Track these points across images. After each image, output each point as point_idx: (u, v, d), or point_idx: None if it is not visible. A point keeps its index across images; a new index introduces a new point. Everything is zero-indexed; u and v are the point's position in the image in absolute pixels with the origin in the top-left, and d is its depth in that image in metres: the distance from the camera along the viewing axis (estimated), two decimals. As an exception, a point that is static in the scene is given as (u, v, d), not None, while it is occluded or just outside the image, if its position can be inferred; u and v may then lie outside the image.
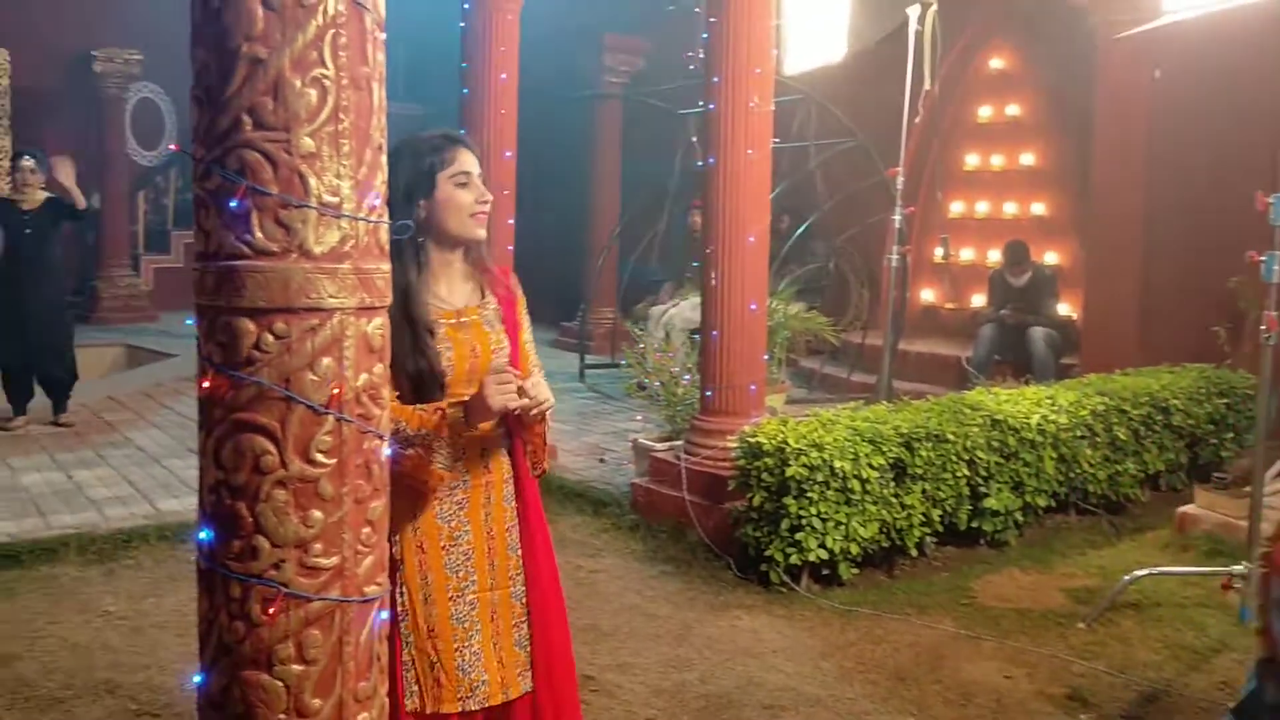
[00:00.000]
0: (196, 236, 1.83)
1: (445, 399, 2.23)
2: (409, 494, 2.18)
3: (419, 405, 2.20)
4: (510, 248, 5.96)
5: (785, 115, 7.17)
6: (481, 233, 2.33)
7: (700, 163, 5.64)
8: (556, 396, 2.40)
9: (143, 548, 4.70)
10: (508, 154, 6.01)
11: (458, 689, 2.25)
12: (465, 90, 6.03)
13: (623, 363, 7.18)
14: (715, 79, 5.11)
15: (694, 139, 8.55)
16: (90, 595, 4.22)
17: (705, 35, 5.27)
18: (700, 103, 5.79)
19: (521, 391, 2.19)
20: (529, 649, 2.33)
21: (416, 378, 2.21)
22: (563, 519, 5.34)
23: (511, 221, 6.00)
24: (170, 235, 13.54)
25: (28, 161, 6.76)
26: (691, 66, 7.76)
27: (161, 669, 3.60)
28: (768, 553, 4.51)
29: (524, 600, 2.32)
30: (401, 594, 2.21)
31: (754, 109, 5.08)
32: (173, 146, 12.74)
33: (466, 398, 2.24)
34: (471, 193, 2.28)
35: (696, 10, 6.01)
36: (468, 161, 2.29)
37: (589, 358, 9.48)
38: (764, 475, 4.52)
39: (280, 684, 1.80)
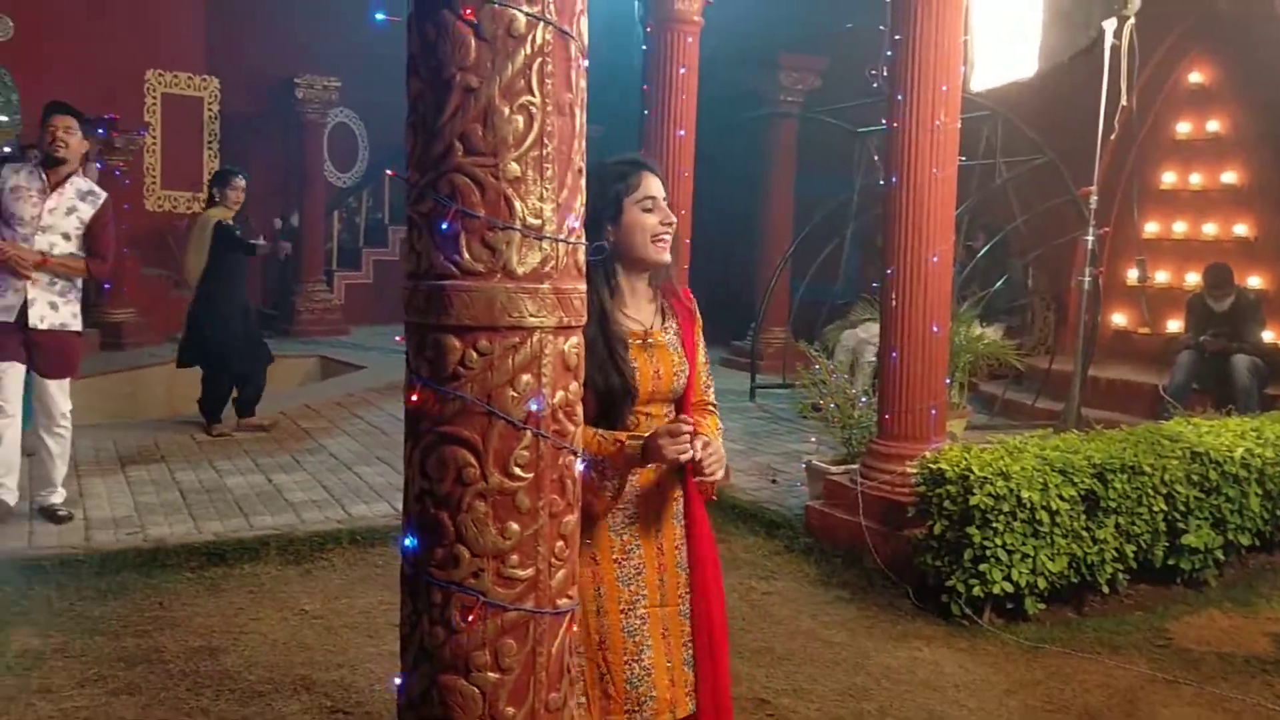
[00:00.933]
0: (408, 256, 1.91)
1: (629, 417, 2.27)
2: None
3: (600, 431, 2.23)
4: (685, 266, 6.00)
5: (972, 133, 6.99)
6: (666, 256, 2.35)
7: (881, 181, 5.55)
8: (726, 415, 2.43)
9: (336, 550, 4.93)
10: (685, 174, 6.07)
11: (625, 702, 2.26)
12: (646, 111, 6.13)
13: (796, 383, 7.12)
14: (899, 97, 5.03)
15: (875, 157, 8.43)
16: (288, 594, 4.45)
17: (889, 53, 5.20)
18: (882, 120, 5.70)
19: (694, 435, 2.20)
20: (694, 669, 2.33)
21: (606, 394, 2.24)
22: (735, 539, 5.33)
23: (688, 241, 6.04)
24: (361, 253, 14.21)
25: (241, 180, 7.20)
26: (875, 85, 7.65)
27: (353, 668, 3.76)
28: (949, 583, 4.38)
29: (690, 619, 2.33)
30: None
31: (939, 127, 4.97)
32: (389, 172, 13.29)
33: (651, 416, 2.28)
34: (656, 216, 2.31)
35: (881, 28, 5.93)
36: (653, 186, 2.32)
37: (759, 377, 9.44)
38: (946, 503, 4.40)
39: (477, 690, 1.86)
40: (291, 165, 13.20)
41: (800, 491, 5.92)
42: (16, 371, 5.08)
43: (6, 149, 11.54)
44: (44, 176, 5.09)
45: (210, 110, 12.99)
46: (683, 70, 6.01)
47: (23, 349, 5.06)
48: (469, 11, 1.77)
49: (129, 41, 11.74)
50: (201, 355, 7.16)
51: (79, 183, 5.19)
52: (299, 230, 13.05)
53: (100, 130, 10.76)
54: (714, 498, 2.43)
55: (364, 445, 6.95)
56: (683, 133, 6.02)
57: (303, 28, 12.80)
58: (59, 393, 5.23)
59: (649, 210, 2.29)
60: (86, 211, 5.17)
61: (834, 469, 5.50)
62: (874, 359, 7.70)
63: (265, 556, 4.80)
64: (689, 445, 2.17)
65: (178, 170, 12.71)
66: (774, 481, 6.34)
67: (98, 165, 10.89)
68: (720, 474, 2.29)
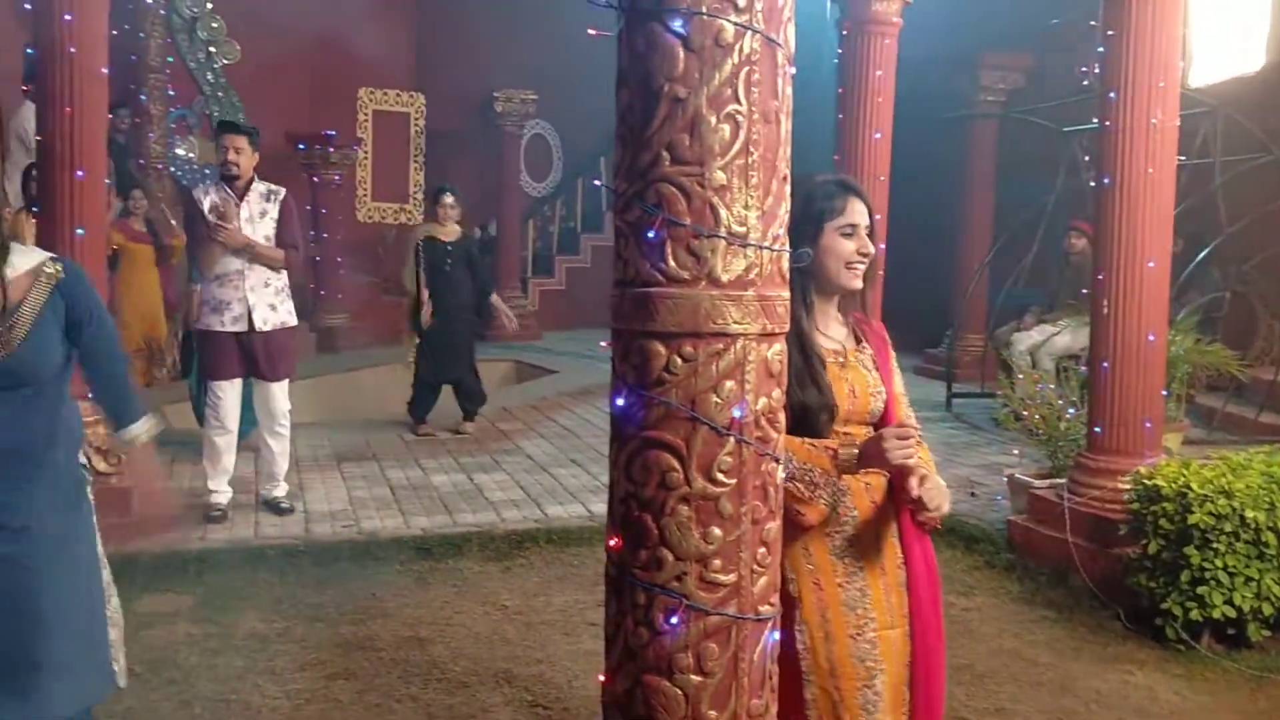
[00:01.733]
0: (615, 264, 1.95)
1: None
2: (789, 528, 2.20)
3: (808, 439, 2.22)
4: (880, 273, 5.90)
5: (1187, 131, 6.60)
6: (857, 284, 2.31)
7: (1092, 183, 5.30)
8: (922, 425, 2.38)
9: (534, 549, 5.08)
10: (881, 178, 5.96)
11: None
12: (840, 115, 6.05)
13: (997, 393, 6.88)
14: (1112, 94, 4.79)
15: (1085, 158, 8.05)
16: (490, 590, 4.61)
17: (1101, 49, 4.96)
18: (1092, 120, 5.45)
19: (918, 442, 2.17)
20: (910, 690, 2.28)
21: (801, 410, 2.22)
22: (935, 553, 5.18)
23: (883, 246, 5.93)
24: (554, 260, 14.59)
25: (448, 197, 7.53)
26: (1085, 82, 7.32)
27: (552, 664, 3.87)
28: (1164, 606, 4.14)
29: (911, 639, 2.28)
30: (801, 631, 2.19)
31: (1156, 126, 4.72)
32: (596, 181, 13.63)
33: (850, 435, 2.25)
34: (854, 244, 2.28)
35: (1092, 23, 5.67)
36: (857, 213, 2.29)
37: (955, 385, 9.17)
38: (1162, 521, 4.16)
39: (680, 692, 1.88)
40: (490, 176, 13.68)
41: (1001, 505, 5.72)
42: (236, 390, 5.49)
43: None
44: (229, 191, 5.45)
45: (416, 125, 13.62)
46: (879, 73, 5.91)
47: (241, 362, 5.44)
48: (678, 23, 1.80)
49: (344, 61, 12.43)
50: (418, 359, 7.56)
51: (258, 186, 5.53)
52: (496, 239, 13.52)
53: (318, 146, 11.46)
54: (939, 527, 2.37)
55: (558, 448, 7.14)
56: (879, 135, 5.91)
57: (502, 44, 13.24)
58: (280, 394, 5.60)
59: (848, 236, 2.27)
60: (274, 210, 5.53)
61: (1038, 483, 5.28)
62: (1054, 359, 7.38)
63: (468, 552, 5.00)
64: (914, 449, 2.14)
65: (386, 183, 13.37)
66: (973, 494, 6.14)
67: (314, 179, 11.61)
68: (946, 508, 2.25)
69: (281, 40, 12.05)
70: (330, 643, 4.01)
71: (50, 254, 2.53)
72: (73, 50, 4.63)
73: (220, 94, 12.35)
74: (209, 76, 12.28)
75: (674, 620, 1.88)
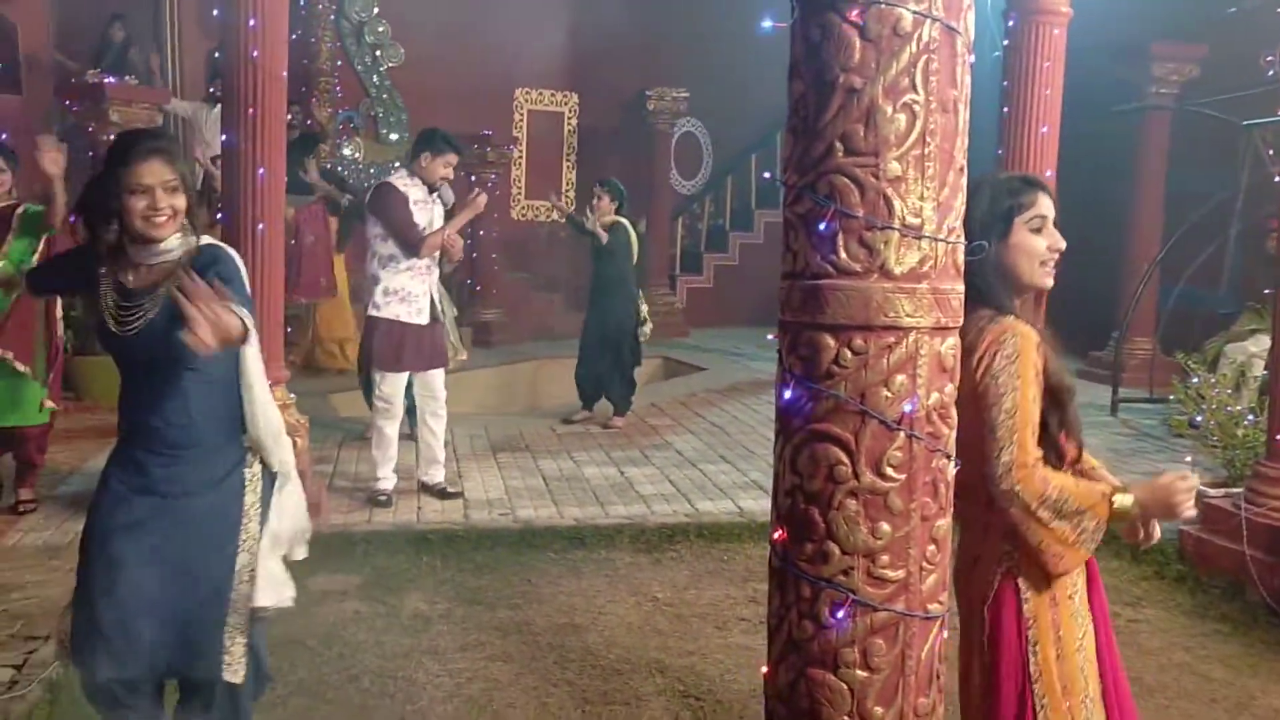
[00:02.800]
0: (784, 256, 1.95)
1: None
2: (1031, 567, 2.14)
3: (1079, 480, 2.15)
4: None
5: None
6: (1049, 282, 2.24)
7: (1277, 178, 5.02)
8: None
9: (684, 543, 5.11)
10: (1048, 172, 5.77)
11: None
12: (1005, 108, 5.89)
13: (1167, 398, 6.58)
14: (1303, 82, 4.53)
15: (1270, 151, 7.61)
16: (641, 580, 4.67)
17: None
18: (1277, 111, 5.16)
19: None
20: (1104, 698, 2.22)
21: (1058, 393, 2.17)
22: (1098, 561, 4.99)
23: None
24: (702, 258, 14.61)
25: (596, 188, 7.64)
26: (1271, 72, 6.92)
27: (704, 657, 3.89)
28: (1353, 625, 3.90)
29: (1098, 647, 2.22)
30: (1035, 653, 2.12)
31: (1352, 114, 4.43)
32: (765, 175, 13.59)
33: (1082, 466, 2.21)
34: (1045, 239, 2.21)
35: (1279, 11, 5.36)
36: (1045, 206, 2.22)
37: (1122, 390, 8.79)
38: (1352, 535, 3.91)
39: (845, 686, 1.87)
40: (640, 174, 13.79)
41: (1170, 514, 5.45)
42: (404, 377, 5.69)
43: (396, 164, 12.93)
44: (421, 183, 5.65)
45: (569, 124, 13.85)
46: (1047, 64, 5.72)
47: (418, 352, 5.63)
48: (855, 13, 1.79)
49: (501, 63, 12.74)
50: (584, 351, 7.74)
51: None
52: (645, 236, 13.61)
53: (476, 146, 11.77)
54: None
55: (707, 444, 7.16)
56: (1045, 129, 5.73)
57: (654, 42, 13.33)
58: (439, 381, 5.78)
59: (1037, 230, 2.19)
60: (450, 198, 5.80)
61: (1213, 492, 5.03)
62: (1262, 374, 6.98)
63: (619, 543, 5.07)
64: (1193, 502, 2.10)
65: (540, 182, 13.64)
66: (1140, 502, 5.87)
67: (472, 178, 11.92)
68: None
69: (442, 43, 12.44)
70: (489, 625, 4.13)
71: (211, 241, 2.66)
72: (256, 54, 4.87)
73: (385, 96, 12.85)
74: (375, 79, 12.78)
75: (840, 614, 1.87)
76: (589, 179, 12.83)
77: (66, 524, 5.04)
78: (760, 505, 5.65)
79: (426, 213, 5.61)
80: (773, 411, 6.75)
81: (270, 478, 2.69)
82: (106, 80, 8.43)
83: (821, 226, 1.84)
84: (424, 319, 5.61)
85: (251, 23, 4.84)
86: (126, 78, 8.89)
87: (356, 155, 12.56)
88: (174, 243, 2.52)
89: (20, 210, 5.06)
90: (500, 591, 4.48)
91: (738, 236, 14.67)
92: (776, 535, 1.97)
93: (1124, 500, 2.09)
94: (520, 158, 13.41)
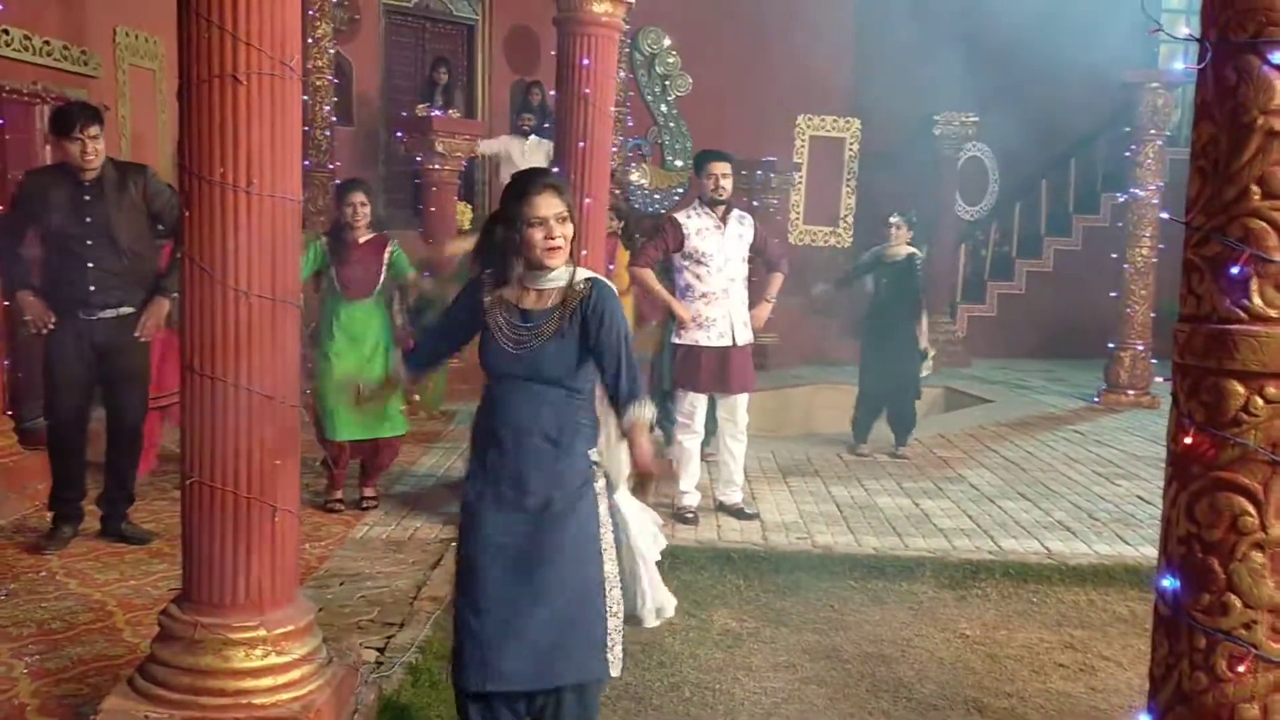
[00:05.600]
0: (1184, 299, 1.92)
1: None
2: None
3: None
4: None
5: None
6: None
7: None
8: None
9: (989, 581, 4.99)
10: None
11: None
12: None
13: None
14: None
15: None
16: (947, 616, 4.61)
17: None
18: None
19: None
20: None
21: None
22: None
23: None
24: (985, 286, 14.17)
25: (895, 219, 7.58)
26: None
27: (1023, 701, 3.80)
28: None
29: None
30: None
31: None
32: (1164, 215, 13.14)
33: None
34: None
35: None
36: None
37: None
38: None
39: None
40: (923, 199, 13.54)
41: None
42: (705, 400, 5.89)
43: (680, 190, 13.33)
44: (713, 214, 5.81)
45: (851, 149, 13.81)
46: None
47: (717, 375, 5.81)
48: (1278, 55, 1.75)
49: (785, 89, 12.87)
50: (860, 379, 7.71)
51: (735, 211, 5.91)
52: (928, 263, 13.35)
53: (759, 172, 11.95)
54: None
55: (1003, 479, 6.95)
56: None
57: (943, 67, 13.10)
58: (743, 405, 5.94)
59: None
60: (749, 234, 5.90)
61: None
62: None
63: (921, 576, 5.01)
64: None
65: (819, 206, 13.67)
66: None
67: (754, 203, 12.09)
68: None
69: (727, 72, 12.72)
70: (798, 648, 4.20)
71: (588, 273, 2.91)
72: (587, 92, 5.19)
73: (671, 124, 13.27)
74: (663, 108, 13.23)
75: (1240, 669, 1.83)
76: (869, 204, 12.76)
77: (405, 520, 5.53)
78: (1070, 548, 5.44)
79: (713, 240, 5.76)
80: (1071, 449, 6.55)
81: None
82: (433, 114, 9.18)
83: (1234, 270, 1.81)
84: (724, 342, 5.77)
85: (585, 62, 5.17)
86: (450, 112, 9.64)
87: (643, 181, 13.02)
88: (562, 269, 2.78)
89: (391, 251, 5.59)
90: (805, 615, 4.54)
91: (1024, 264, 14.15)
92: (1168, 583, 1.93)
93: None
94: (800, 183, 13.49)
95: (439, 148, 8.90)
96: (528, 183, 2.78)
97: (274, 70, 2.87)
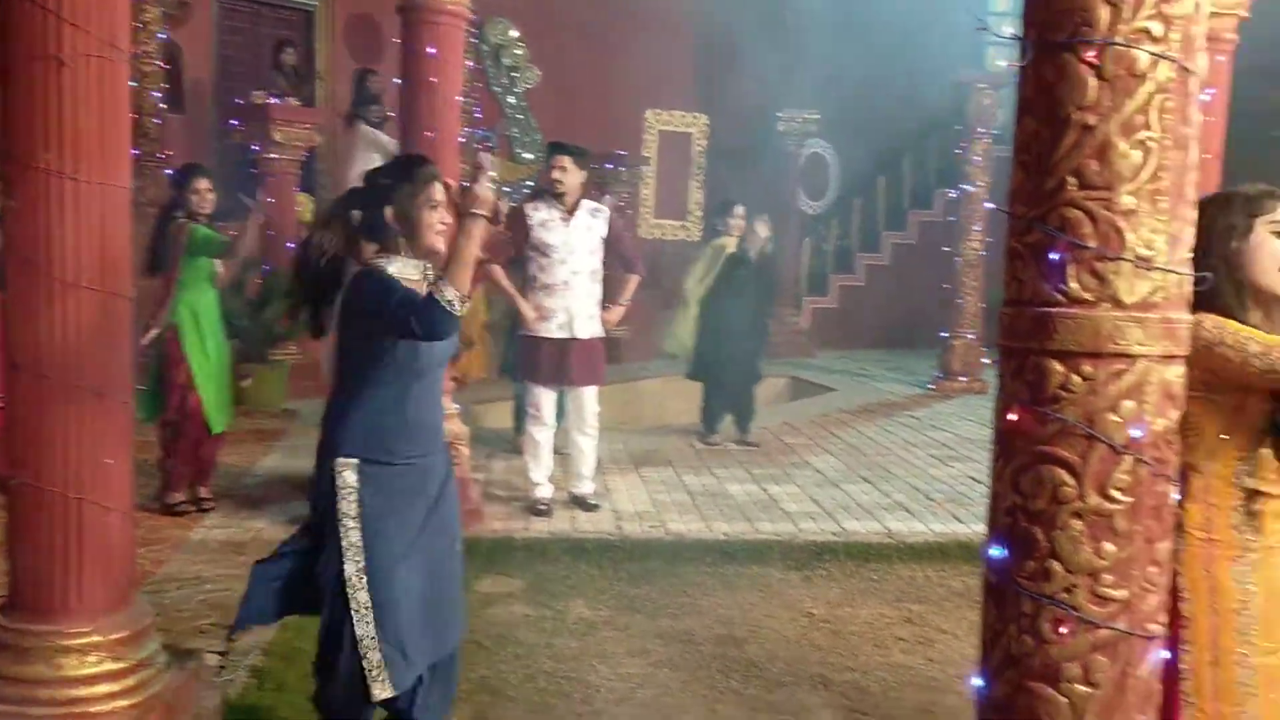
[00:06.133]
0: (1008, 284, 2.03)
1: None
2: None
3: None
4: None
5: None
6: None
7: None
8: None
9: (833, 561, 5.17)
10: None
11: None
12: None
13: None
14: None
15: None
16: (794, 596, 4.75)
17: None
18: None
19: None
20: None
21: None
22: None
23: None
24: (828, 279, 14.61)
25: (736, 209, 7.76)
26: None
27: (865, 674, 3.95)
28: None
29: None
30: (1188, 653, 2.20)
31: None
32: (988, 205, 13.63)
33: None
34: None
35: None
36: None
37: None
38: None
39: (1065, 701, 1.93)
40: (767, 195, 13.86)
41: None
42: (553, 392, 5.89)
43: (529, 184, 13.27)
44: (560, 206, 5.82)
45: (699, 145, 14.03)
46: (1212, 92, 5.64)
47: (560, 367, 5.81)
48: (1092, 54, 1.87)
49: (633, 83, 12.96)
50: (703, 370, 7.80)
51: (586, 204, 5.89)
52: (773, 257, 13.66)
53: (609, 164, 12.00)
54: None
55: (845, 464, 7.19)
56: (1209, 156, 5.65)
57: (784, 64, 13.43)
58: (592, 398, 5.96)
59: (1278, 236, 2.24)
60: (601, 226, 5.89)
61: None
62: None
63: (769, 559, 5.15)
64: None
65: (668, 201, 13.84)
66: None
67: (608, 197, 12.13)
68: None
69: (576, 65, 12.75)
70: (652, 634, 4.26)
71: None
72: (434, 80, 5.13)
73: (520, 116, 13.21)
74: (511, 100, 13.15)
75: (1063, 630, 1.94)
76: (717, 199, 12.99)
77: (247, 521, 5.35)
78: (908, 526, 5.68)
79: (557, 233, 5.75)
80: (908, 434, 6.82)
81: None
82: (270, 101, 8.87)
83: (1053, 257, 1.92)
84: (564, 334, 5.77)
85: (431, 50, 5.10)
86: (288, 99, 9.35)
87: (492, 174, 12.90)
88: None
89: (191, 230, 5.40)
90: (658, 601, 4.61)
91: (864, 258, 14.65)
92: (995, 552, 2.04)
93: None
94: (650, 177, 13.63)
95: (277, 136, 8.62)
96: (420, 166, 2.80)
97: (101, 52, 2.75)
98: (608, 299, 6.04)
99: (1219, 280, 2.21)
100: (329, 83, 11.36)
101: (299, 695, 3.27)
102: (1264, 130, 9.31)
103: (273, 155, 8.73)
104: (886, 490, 6.47)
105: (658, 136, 13.80)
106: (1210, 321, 2.18)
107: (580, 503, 5.90)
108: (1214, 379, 2.20)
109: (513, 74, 13.13)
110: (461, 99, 12.24)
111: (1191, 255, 1.94)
